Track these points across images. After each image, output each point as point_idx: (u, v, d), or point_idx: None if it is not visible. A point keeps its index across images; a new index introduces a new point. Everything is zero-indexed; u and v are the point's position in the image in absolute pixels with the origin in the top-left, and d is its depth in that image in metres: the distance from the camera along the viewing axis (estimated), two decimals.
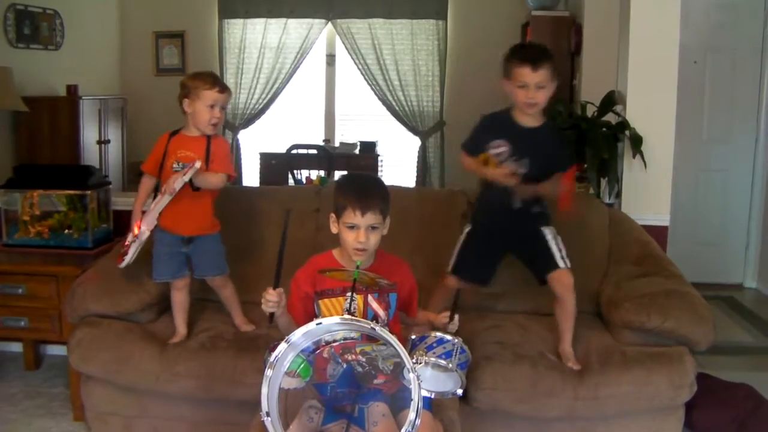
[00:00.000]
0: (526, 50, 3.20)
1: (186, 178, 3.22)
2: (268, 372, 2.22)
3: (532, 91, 3.07)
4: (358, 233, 2.52)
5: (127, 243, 3.36)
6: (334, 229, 2.61)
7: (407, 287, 2.70)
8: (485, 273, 3.36)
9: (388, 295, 2.61)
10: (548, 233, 3.24)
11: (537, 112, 3.18)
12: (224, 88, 3.33)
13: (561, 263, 3.21)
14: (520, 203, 3.17)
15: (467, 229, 3.38)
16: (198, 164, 3.20)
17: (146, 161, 3.44)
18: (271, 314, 2.45)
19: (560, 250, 3.23)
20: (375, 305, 2.58)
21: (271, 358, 2.23)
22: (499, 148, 3.13)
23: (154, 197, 3.37)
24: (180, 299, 3.45)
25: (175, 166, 3.31)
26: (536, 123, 3.20)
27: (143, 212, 3.38)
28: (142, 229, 3.31)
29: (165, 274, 3.43)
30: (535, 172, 3.13)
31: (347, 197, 2.55)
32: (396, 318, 2.68)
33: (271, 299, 2.41)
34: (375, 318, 2.57)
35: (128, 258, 3.33)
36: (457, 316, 2.58)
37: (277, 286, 2.43)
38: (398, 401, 2.34)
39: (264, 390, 2.20)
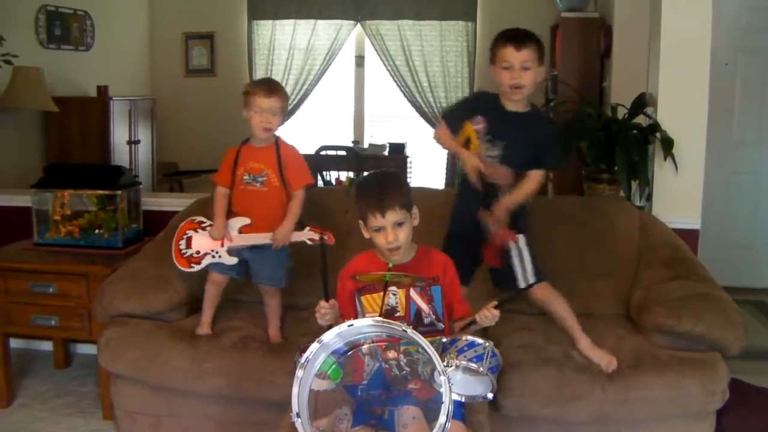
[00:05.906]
0: (510, 31, 3.14)
1: (308, 242, 3.29)
2: (299, 372, 2.22)
3: (516, 72, 3.02)
4: (386, 234, 2.53)
5: (200, 251, 3.35)
6: (366, 234, 2.63)
7: (447, 280, 2.68)
8: (463, 274, 3.02)
9: (430, 288, 2.61)
10: (513, 249, 3.11)
11: (523, 99, 3.12)
12: (271, 93, 3.26)
13: (521, 283, 3.11)
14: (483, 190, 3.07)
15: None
16: (331, 242, 3.21)
17: (218, 174, 3.39)
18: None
19: (524, 268, 3.11)
20: (418, 299, 2.59)
21: (302, 359, 2.23)
22: (478, 124, 3.07)
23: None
24: (211, 292, 3.41)
25: (246, 177, 3.32)
26: (522, 109, 3.15)
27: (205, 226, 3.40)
28: (221, 251, 3.33)
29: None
30: (517, 161, 3.08)
31: (365, 203, 2.57)
32: (445, 314, 2.67)
33: (326, 310, 2.46)
34: (418, 312, 2.58)
35: (198, 268, 3.34)
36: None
37: (327, 298, 2.47)
38: (431, 411, 2.29)
39: (295, 390, 2.21)
